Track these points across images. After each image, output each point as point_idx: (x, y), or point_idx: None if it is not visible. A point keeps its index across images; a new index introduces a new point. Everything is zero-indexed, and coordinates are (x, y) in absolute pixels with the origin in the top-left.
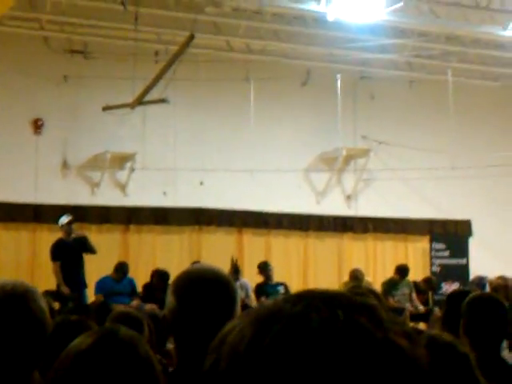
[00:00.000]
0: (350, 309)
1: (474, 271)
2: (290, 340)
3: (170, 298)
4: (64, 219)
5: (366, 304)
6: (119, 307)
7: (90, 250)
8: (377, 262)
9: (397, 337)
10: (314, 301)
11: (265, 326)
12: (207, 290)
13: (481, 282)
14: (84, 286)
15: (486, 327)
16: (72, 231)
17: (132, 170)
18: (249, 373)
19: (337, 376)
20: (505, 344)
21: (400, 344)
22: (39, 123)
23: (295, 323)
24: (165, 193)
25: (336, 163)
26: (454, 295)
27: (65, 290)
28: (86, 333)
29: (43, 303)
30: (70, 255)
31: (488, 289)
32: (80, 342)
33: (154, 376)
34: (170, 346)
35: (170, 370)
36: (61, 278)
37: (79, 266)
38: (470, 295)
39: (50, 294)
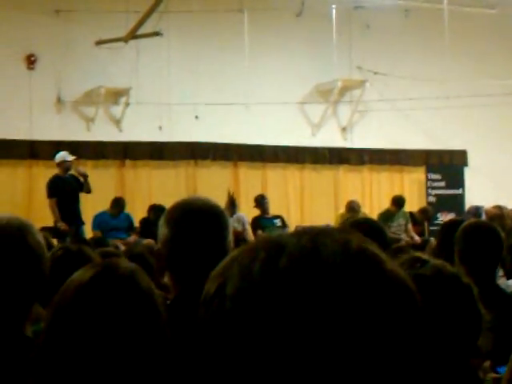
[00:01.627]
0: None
1: (470, 201)
2: (306, 263)
3: (162, 230)
4: (66, 156)
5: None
6: (113, 242)
7: (87, 189)
8: (373, 193)
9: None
10: (320, 233)
11: (278, 250)
12: (199, 217)
13: (477, 211)
14: (81, 222)
15: (482, 254)
16: (71, 168)
17: (127, 104)
18: (264, 293)
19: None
20: (501, 272)
21: (401, 276)
22: (32, 59)
23: (312, 248)
24: (160, 127)
25: (331, 95)
26: (448, 224)
27: (62, 225)
28: (85, 266)
29: (40, 236)
30: (66, 192)
31: (484, 218)
32: (80, 275)
33: (155, 309)
34: (167, 279)
35: (168, 302)
36: (57, 214)
37: (76, 202)
38: (465, 223)
39: (47, 230)
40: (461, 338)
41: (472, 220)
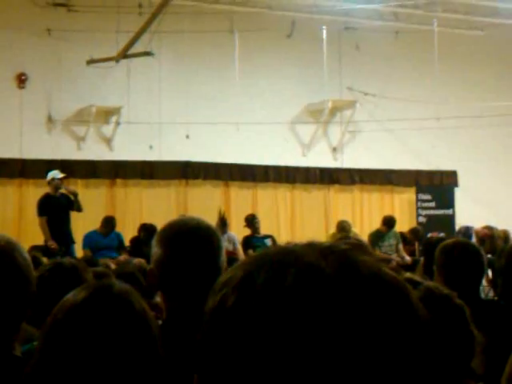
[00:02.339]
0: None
1: (460, 222)
2: (311, 283)
3: (155, 249)
4: (56, 174)
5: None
6: (104, 261)
7: (77, 208)
8: (363, 213)
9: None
10: (325, 247)
11: (282, 268)
12: (192, 237)
13: (467, 232)
14: (71, 241)
15: (461, 272)
16: (61, 186)
17: (117, 123)
18: (268, 307)
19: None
20: (492, 293)
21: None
22: (23, 77)
23: (315, 263)
24: (151, 147)
25: (322, 115)
26: (429, 243)
27: (52, 244)
28: (79, 287)
29: (26, 254)
30: (56, 210)
31: (474, 239)
32: (74, 296)
33: (150, 330)
34: (158, 299)
35: (160, 322)
36: (48, 232)
37: (66, 221)
38: (442, 242)
39: (37, 249)
40: (454, 360)
41: (450, 239)
